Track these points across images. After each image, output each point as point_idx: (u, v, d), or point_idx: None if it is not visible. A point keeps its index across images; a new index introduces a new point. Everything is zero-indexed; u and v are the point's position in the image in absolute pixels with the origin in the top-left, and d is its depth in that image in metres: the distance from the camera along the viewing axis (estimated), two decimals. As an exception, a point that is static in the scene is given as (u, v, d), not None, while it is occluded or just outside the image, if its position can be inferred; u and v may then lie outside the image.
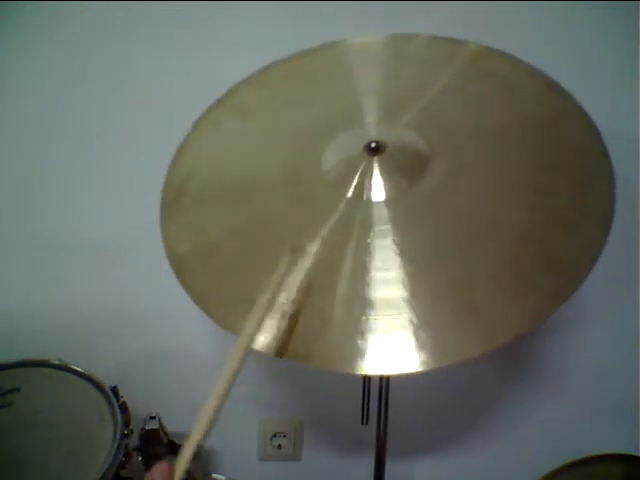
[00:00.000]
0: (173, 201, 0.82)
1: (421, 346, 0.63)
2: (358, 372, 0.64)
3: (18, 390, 0.93)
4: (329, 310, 0.67)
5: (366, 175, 0.74)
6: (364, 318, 0.66)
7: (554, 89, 0.81)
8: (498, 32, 0.91)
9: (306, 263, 0.70)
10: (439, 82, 0.83)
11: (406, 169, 0.76)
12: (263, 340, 0.66)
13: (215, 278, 0.74)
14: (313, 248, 0.70)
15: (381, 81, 0.87)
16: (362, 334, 0.65)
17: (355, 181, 0.74)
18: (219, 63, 1.00)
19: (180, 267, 0.76)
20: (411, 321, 0.65)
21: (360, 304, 0.67)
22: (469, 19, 1.00)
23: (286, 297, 0.68)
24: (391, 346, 0.64)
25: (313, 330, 0.66)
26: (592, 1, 0.99)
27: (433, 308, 0.66)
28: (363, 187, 0.74)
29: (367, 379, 0.94)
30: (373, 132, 0.79)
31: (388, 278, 0.68)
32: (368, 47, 0.92)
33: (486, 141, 0.78)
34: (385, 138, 0.76)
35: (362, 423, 0.97)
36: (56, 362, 0.96)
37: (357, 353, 0.64)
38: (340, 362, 0.65)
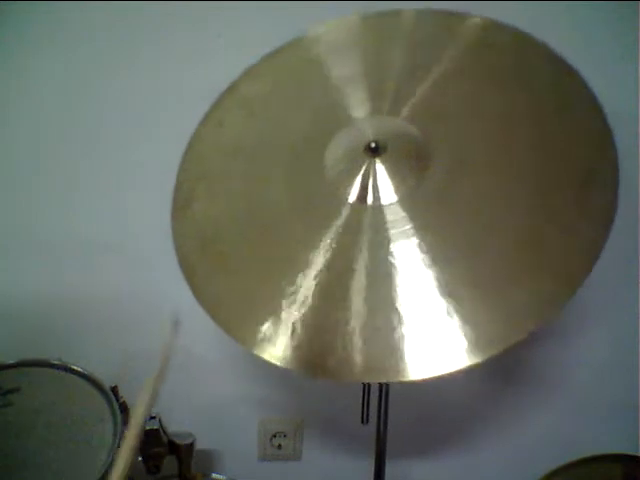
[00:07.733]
0: (183, 205, 0.80)
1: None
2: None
3: (18, 390, 0.92)
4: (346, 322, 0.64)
5: (369, 177, 0.71)
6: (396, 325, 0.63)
7: (564, 71, 0.75)
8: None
9: (312, 273, 0.67)
10: (436, 66, 0.75)
11: (411, 166, 0.73)
12: (290, 355, 0.65)
13: (225, 284, 0.73)
14: (319, 258, 0.68)
15: (364, 69, 0.78)
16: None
17: (359, 185, 0.71)
18: (219, 61, 1.00)
19: (191, 273, 0.75)
20: (466, 322, 0.63)
21: (387, 313, 0.64)
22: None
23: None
24: (435, 348, 0.62)
25: (328, 344, 0.64)
26: (592, 1, 0.99)
27: (479, 306, 0.65)
28: (367, 190, 0.71)
29: (367, 379, 0.94)
30: (369, 130, 0.75)
31: (417, 280, 0.64)
32: (341, 32, 0.82)
33: (488, 131, 0.74)
34: (383, 136, 0.73)
35: (362, 423, 0.96)
36: (56, 362, 0.96)
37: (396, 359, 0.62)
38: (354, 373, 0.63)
